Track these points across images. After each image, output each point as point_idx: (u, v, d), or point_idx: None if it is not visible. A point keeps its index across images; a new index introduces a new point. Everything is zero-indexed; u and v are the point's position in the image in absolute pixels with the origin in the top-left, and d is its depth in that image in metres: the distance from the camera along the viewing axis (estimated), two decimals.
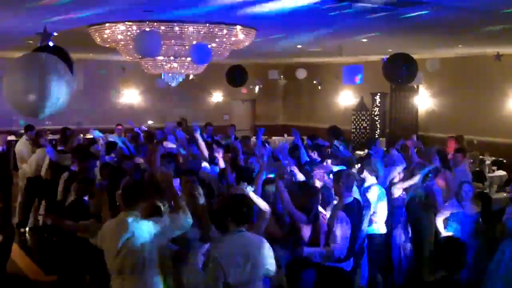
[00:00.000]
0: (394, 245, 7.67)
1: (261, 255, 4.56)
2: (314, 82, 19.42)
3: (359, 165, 8.07)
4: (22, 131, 15.99)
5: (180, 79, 11.80)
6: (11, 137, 16.80)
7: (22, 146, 11.12)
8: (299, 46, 14.36)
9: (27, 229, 10.67)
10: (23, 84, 4.71)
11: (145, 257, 4.66)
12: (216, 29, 9.48)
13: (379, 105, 19.30)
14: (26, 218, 10.72)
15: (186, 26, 9.29)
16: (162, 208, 4.96)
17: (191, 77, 14.30)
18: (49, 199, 9.85)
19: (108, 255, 4.77)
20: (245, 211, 4.58)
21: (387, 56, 9.68)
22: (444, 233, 7.27)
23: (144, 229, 4.67)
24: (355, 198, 5.88)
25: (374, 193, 7.05)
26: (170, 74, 11.10)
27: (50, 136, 12.75)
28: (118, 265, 4.68)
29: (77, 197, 6.38)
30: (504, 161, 13.55)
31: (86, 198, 6.41)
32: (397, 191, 7.59)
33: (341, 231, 5.47)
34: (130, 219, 4.70)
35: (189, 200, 5.17)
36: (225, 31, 9.63)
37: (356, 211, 5.78)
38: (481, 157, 12.88)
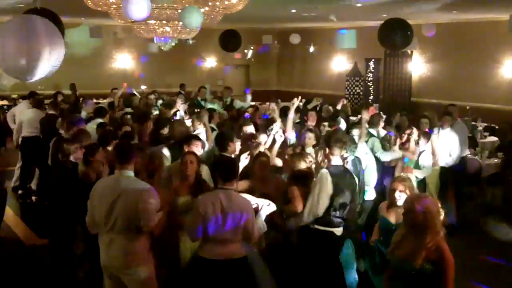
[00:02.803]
0: None
1: (242, 216, 4.72)
2: (307, 47, 19.33)
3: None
4: (14, 96, 16.02)
5: (173, 44, 11.73)
6: (3, 102, 16.81)
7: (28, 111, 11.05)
8: (293, 11, 14.23)
9: (19, 192, 10.70)
10: (13, 47, 4.68)
11: (134, 218, 4.71)
12: None
13: (373, 70, 19.22)
14: (24, 179, 10.74)
15: None
16: None
17: (190, 41, 14.20)
18: (42, 161, 9.91)
19: (98, 213, 4.82)
20: (228, 169, 4.89)
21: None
22: None
23: (137, 190, 4.74)
24: (343, 166, 5.93)
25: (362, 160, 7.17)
26: (162, 38, 11.02)
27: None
28: (108, 223, 4.74)
29: (64, 158, 6.39)
30: (496, 127, 13.63)
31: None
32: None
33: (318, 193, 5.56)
34: (122, 179, 4.78)
35: None
36: None
37: (344, 177, 5.80)
38: (473, 123, 12.94)
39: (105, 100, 14.03)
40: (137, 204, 4.67)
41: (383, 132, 8.60)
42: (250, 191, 5.66)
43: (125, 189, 4.73)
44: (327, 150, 5.88)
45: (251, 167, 6.13)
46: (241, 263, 4.83)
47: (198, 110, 10.02)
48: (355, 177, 6.11)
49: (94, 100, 12.39)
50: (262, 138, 7.40)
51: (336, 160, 5.82)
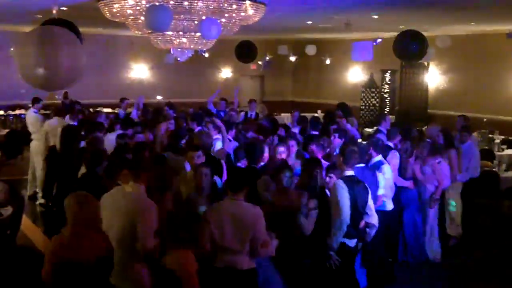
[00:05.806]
0: (406, 223, 7.75)
1: (252, 226, 4.70)
2: (322, 58, 19.34)
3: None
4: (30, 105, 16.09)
5: (190, 55, 11.78)
6: (20, 111, 16.97)
7: (31, 119, 11.12)
8: (309, 22, 14.26)
9: (43, 201, 10.65)
10: (34, 57, 4.70)
11: (129, 236, 4.67)
12: (226, 4, 9.41)
13: (389, 82, 19.17)
14: (50, 189, 10.68)
15: (196, 1, 9.22)
16: None
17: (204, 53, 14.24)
18: (62, 171, 9.90)
19: (107, 226, 4.81)
20: (237, 180, 4.88)
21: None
22: None
23: (137, 208, 4.71)
24: (355, 176, 5.91)
25: (383, 171, 7.09)
26: (179, 49, 11.07)
27: None
28: (116, 236, 4.71)
29: (89, 169, 6.39)
30: None
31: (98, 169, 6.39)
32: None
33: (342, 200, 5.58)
34: (126, 194, 4.79)
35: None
36: (234, 6, 9.56)
37: (358, 186, 5.78)
38: (490, 135, 12.84)
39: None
40: (134, 222, 4.58)
41: None
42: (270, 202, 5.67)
43: (125, 204, 4.70)
44: (341, 160, 5.90)
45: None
46: (248, 274, 4.81)
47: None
48: (368, 188, 6.07)
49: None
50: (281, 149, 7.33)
51: (349, 171, 5.84)
